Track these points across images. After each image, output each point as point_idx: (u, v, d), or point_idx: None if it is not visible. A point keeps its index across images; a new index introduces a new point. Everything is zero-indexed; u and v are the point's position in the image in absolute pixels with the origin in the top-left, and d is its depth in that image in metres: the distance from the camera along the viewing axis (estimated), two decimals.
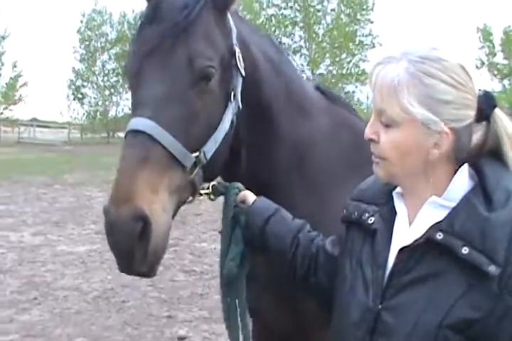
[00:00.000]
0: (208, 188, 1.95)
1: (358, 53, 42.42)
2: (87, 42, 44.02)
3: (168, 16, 1.84)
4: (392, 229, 1.55)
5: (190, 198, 1.90)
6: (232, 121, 1.96)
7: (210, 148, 1.88)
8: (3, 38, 42.33)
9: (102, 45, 44.22)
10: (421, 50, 1.46)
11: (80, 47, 44.24)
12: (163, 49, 1.81)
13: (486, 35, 46.59)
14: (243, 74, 2.00)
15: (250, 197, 1.91)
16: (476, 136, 1.49)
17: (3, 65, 43.15)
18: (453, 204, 1.42)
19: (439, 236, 1.38)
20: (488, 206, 1.37)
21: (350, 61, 41.76)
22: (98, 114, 44.82)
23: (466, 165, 1.47)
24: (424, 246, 1.40)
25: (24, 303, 5.91)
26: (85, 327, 5.37)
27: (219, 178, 2.04)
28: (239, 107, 2.00)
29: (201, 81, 1.84)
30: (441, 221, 1.41)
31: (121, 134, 46.47)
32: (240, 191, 1.93)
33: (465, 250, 1.34)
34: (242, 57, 2.00)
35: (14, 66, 43.13)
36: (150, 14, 1.89)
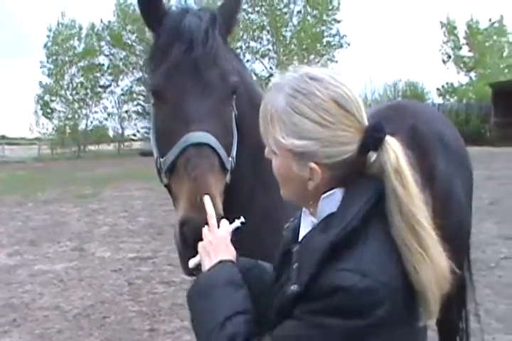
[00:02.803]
0: None
1: (326, 54, 42.84)
2: (55, 57, 43.67)
3: (195, 39, 2.05)
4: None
5: None
6: (236, 127, 2.22)
7: (234, 153, 2.15)
8: None
9: (70, 58, 43.91)
10: (298, 80, 1.45)
11: (48, 61, 43.89)
12: (199, 69, 2.04)
13: (451, 29, 47.27)
14: None
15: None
16: (368, 162, 1.47)
17: None
18: None
19: (295, 249, 1.48)
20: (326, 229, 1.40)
21: (318, 62, 42.02)
22: (68, 128, 44.46)
23: (336, 189, 1.45)
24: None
25: (3, 326, 5.82)
26: None
27: None
28: (235, 114, 2.23)
29: (232, 95, 2.15)
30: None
31: (92, 147, 46.33)
32: None
33: (295, 266, 1.42)
34: None
35: None
36: (172, 36, 2.09)
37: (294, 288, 1.37)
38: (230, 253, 1.67)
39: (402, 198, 1.38)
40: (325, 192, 1.46)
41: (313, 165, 1.42)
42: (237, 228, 1.84)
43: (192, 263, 1.74)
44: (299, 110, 1.41)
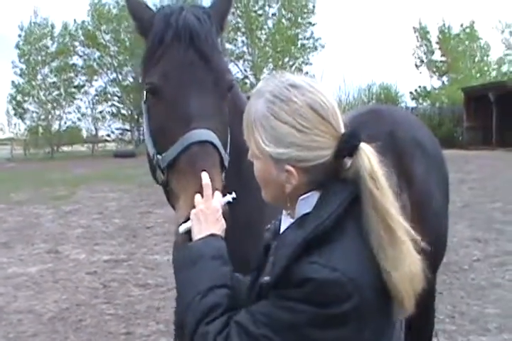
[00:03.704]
0: None
1: (301, 56, 42.97)
2: (27, 57, 43.11)
3: (195, 37, 2.08)
4: None
5: None
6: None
7: (228, 150, 2.14)
8: None
9: (43, 58, 43.40)
10: (279, 87, 1.51)
11: (20, 61, 43.31)
12: (198, 67, 2.06)
13: (423, 34, 47.81)
14: None
15: None
16: (344, 167, 1.52)
17: None
18: None
19: (273, 244, 1.57)
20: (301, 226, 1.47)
21: (293, 64, 42.20)
22: (40, 128, 43.91)
23: (313, 192, 1.51)
24: None
25: None
26: None
27: None
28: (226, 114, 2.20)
29: (228, 92, 2.16)
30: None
31: (66, 148, 45.86)
32: None
33: (271, 259, 1.51)
34: None
35: None
36: (170, 34, 2.09)
37: (266, 278, 1.46)
38: (219, 226, 1.75)
39: (377, 199, 1.45)
40: (302, 195, 1.52)
41: (289, 168, 1.47)
42: (228, 202, 1.91)
43: (183, 228, 1.78)
44: (277, 115, 1.47)
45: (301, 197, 1.52)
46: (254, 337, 1.41)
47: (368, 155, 1.47)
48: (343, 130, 1.51)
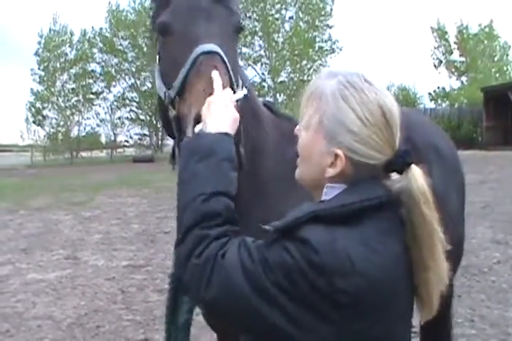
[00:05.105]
0: None
1: (318, 59, 42.98)
2: (46, 64, 43.60)
3: None
4: None
5: None
6: None
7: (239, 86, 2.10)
8: None
9: (62, 65, 43.85)
10: (353, 76, 1.51)
11: (39, 68, 43.80)
12: (206, 6, 2.09)
13: (441, 34, 47.50)
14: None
15: None
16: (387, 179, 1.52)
17: None
18: None
19: None
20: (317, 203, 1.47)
21: (311, 67, 42.17)
22: (60, 134, 44.33)
23: (342, 184, 1.49)
24: None
25: None
26: None
27: None
28: None
29: (236, 32, 2.19)
30: None
31: (85, 154, 46.22)
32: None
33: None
34: None
35: None
36: None
37: (268, 227, 1.42)
38: (230, 115, 1.69)
39: (428, 219, 1.48)
40: (332, 184, 1.50)
41: (340, 152, 1.45)
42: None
43: (197, 129, 1.72)
44: (347, 100, 1.46)
45: (330, 184, 1.50)
46: (254, 259, 1.39)
47: (421, 177, 1.50)
48: (397, 144, 1.52)
